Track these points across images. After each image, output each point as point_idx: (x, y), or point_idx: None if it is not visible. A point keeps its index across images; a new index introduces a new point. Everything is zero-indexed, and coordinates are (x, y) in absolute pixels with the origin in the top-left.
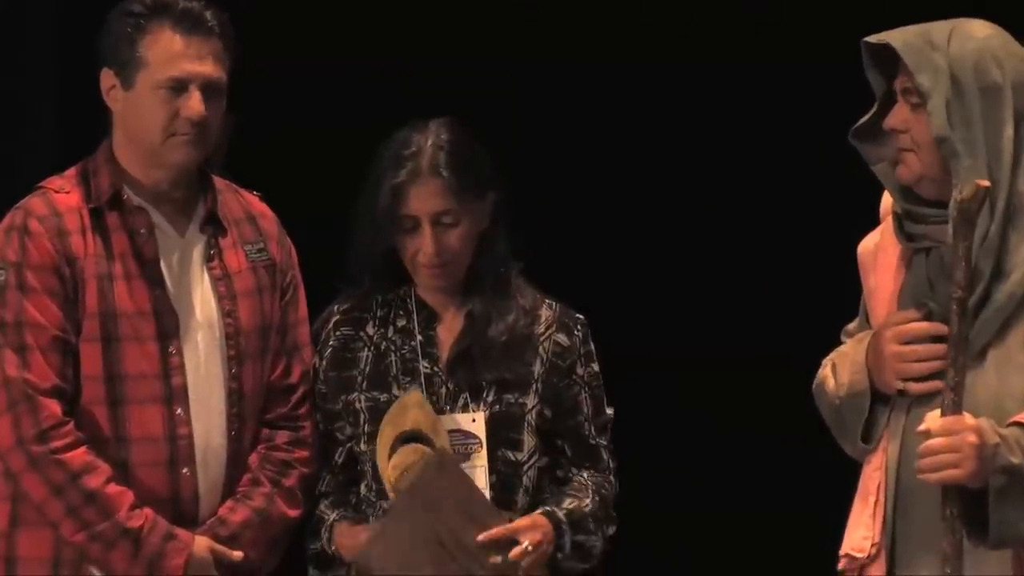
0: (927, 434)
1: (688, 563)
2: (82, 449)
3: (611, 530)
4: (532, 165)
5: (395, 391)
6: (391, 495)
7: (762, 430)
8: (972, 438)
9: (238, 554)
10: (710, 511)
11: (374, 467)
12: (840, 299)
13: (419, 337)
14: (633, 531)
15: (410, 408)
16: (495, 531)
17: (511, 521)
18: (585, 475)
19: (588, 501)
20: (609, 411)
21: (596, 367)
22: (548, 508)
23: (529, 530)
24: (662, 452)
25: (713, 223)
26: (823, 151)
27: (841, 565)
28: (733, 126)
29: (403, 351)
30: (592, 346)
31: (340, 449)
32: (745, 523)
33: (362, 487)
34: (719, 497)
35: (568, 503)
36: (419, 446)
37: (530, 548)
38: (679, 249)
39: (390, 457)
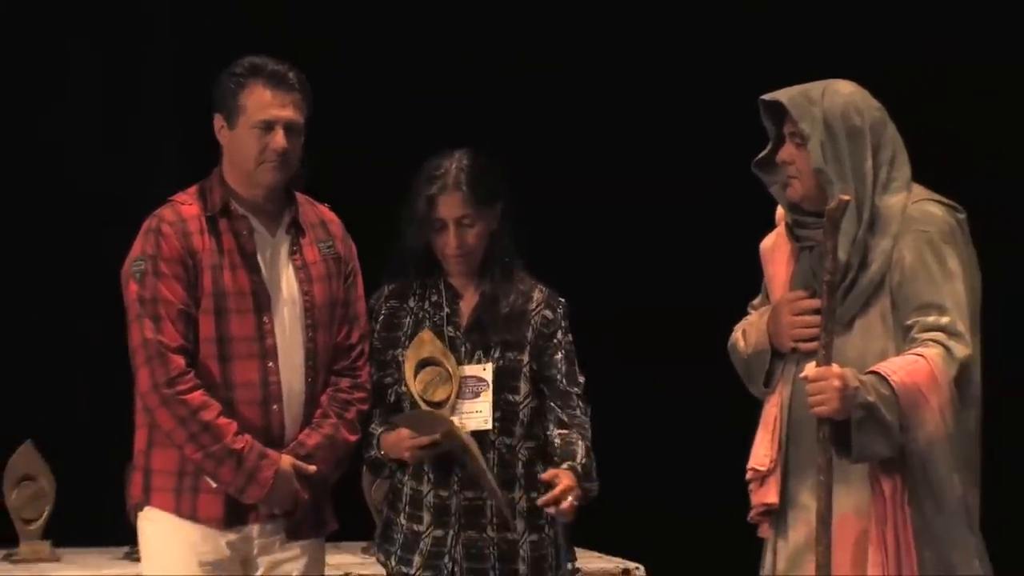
0: (806, 380)
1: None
2: (199, 391)
3: (580, 448)
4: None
5: (424, 354)
6: (419, 402)
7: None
8: (836, 383)
9: (312, 468)
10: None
11: (410, 405)
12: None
13: (446, 309)
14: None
15: (425, 342)
16: (551, 495)
17: (546, 483)
18: (574, 433)
19: (586, 453)
20: (581, 379)
21: (570, 337)
22: (572, 464)
23: (571, 489)
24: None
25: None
26: None
27: (748, 476)
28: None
29: (435, 319)
30: (568, 322)
31: (390, 391)
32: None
33: None
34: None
35: (580, 459)
36: (435, 367)
37: (574, 501)
38: (654, 246)
39: (415, 376)
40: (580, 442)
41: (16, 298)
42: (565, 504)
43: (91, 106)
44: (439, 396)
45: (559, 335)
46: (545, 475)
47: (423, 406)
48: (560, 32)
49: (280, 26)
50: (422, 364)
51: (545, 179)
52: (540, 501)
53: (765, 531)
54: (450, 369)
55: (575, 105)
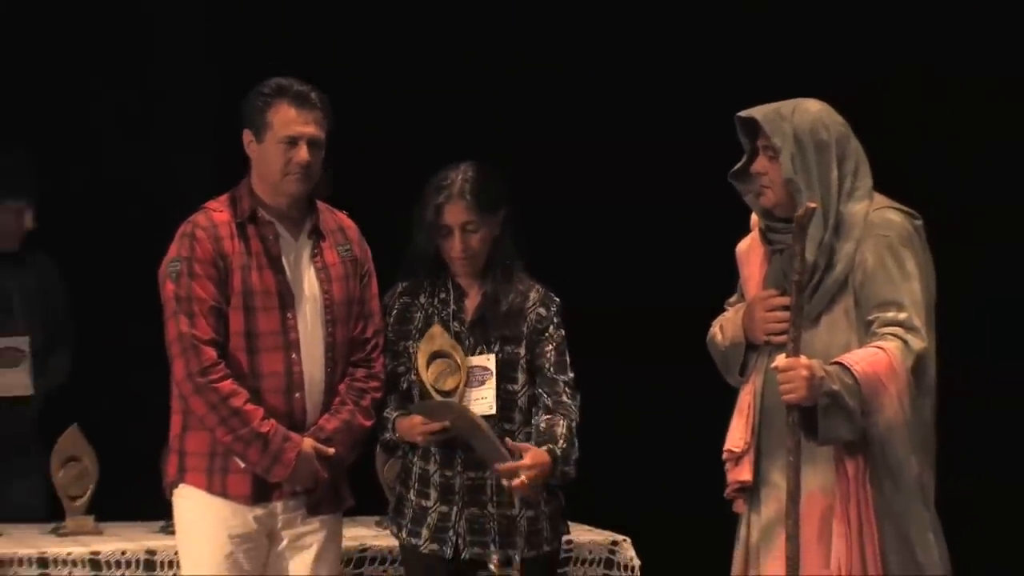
0: (776, 370)
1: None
2: (229, 380)
3: (577, 455)
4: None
5: (433, 348)
6: (431, 391)
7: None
8: (804, 372)
9: (331, 450)
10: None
11: (420, 393)
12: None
13: (453, 306)
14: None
15: (436, 336)
16: (506, 465)
17: (509, 451)
18: (558, 417)
19: (566, 438)
20: (571, 371)
21: (563, 332)
22: (551, 447)
23: (528, 467)
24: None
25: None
26: None
27: (724, 457)
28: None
29: (442, 314)
30: (560, 319)
31: (403, 379)
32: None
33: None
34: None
35: (561, 444)
36: (445, 359)
37: (526, 481)
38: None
39: (427, 368)
40: (562, 425)
41: (77, 301)
42: (516, 481)
43: (132, 121)
44: (449, 385)
45: (551, 329)
46: (514, 444)
47: (434, 394)
48: (560, 33)
49: (297, 42)
50: (433, 356)
51: (546, 182)
52: (500, 468)
53: (740, 506)
54: (459, 361)
55: (573, 108)
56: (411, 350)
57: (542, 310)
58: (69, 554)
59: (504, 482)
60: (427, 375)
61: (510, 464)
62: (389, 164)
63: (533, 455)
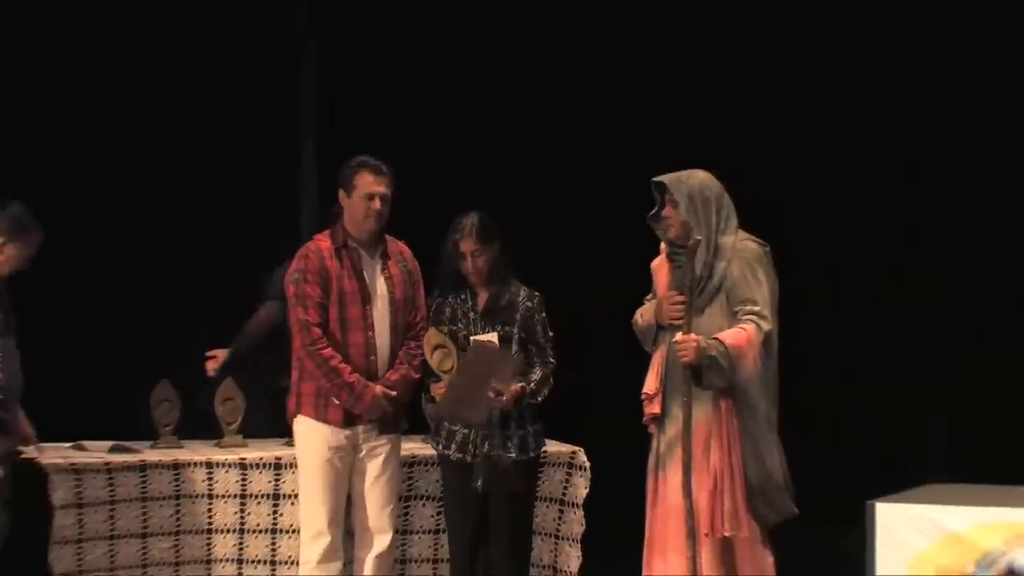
0: (676, 343)
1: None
2: (329, 348)
3: (546, 391)
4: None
5: (459, 323)
6: (436, 371)
7: None
8: (693, 343)
9: (394, 393)
10: None
11: (428, 372)
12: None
13: (469, 303)
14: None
15: (432, 336)
16: (508, 393)
17: (515, 373)
18: (538, 368)
19: (541, 381)
20: (550, 341)
21: (543, 314)
22: (524, 385)
23: (509, 393)
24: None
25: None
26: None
27: (642, 397)
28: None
29: (463, 308)
30: (541, 305)
31: None
32: None
33: None
34: None
35: (532, 384)
36: (443, 348)
37: (506, 400)
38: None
39: (432, 356)
40: (538, 372)
41: (221, 304)
42: (501, 402)
43: (262, 176)
44: (446, 366)
45: (536, 315)
46: (503, 386)
47: (440, 374)
48: (560, 37)
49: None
50: (435, 348)
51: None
52: (493, 390)
53: (652, 429)
54: (450, 348)
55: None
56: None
57: (528, 303)
58: (225, 460)
59: (490, 395)
60: (432, 360)
61: (499, 388)
62: (428, 209)
63: (513, 388)
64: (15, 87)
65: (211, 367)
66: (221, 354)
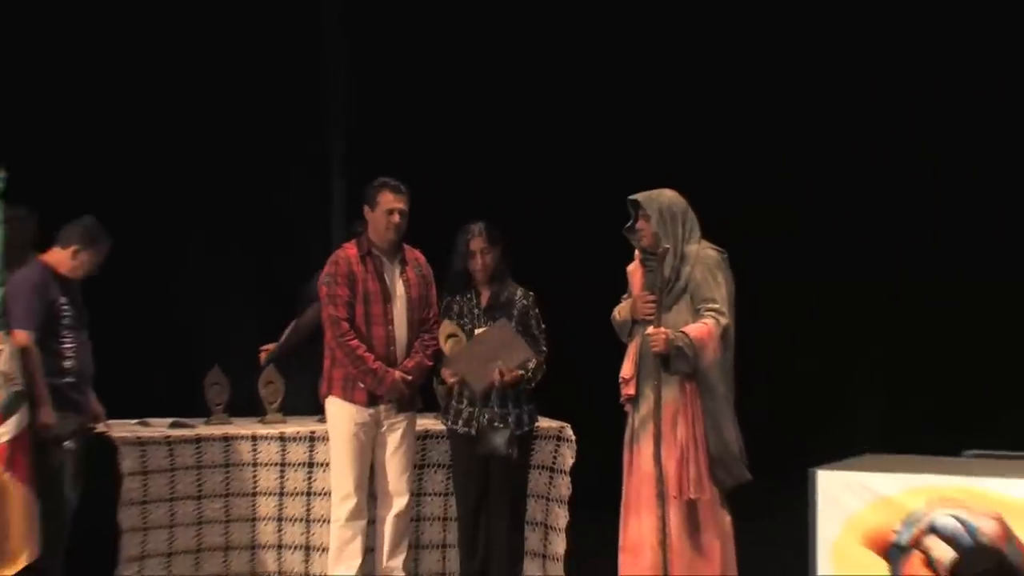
0: (648, 335)
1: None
2: (355, 340)
3: (540, 376)
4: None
5: (464, 318)
6: (448, 354)
7: None
8: (663, 335)
9: (410, 377)
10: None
11: (442, 359)
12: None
13: (474, 300)
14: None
15: (448, 325)
16: (509, 376)
17: (520, 361)
18: (534, 357)
19: (536, 369)
20: (543, 332)
21: (537, 310)
22: (522, 373)
23: (511, 376)
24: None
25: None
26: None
27: (620, 380)
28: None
29: (469, 304)
30: (534, 303)
31: None
32: None
33: None
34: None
35: (530, 368)
36: (455, 337)
37: (507, 382)
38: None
39: (446, 343)
40: (533, 361)
41: (276, 300)
42: (504, 381)
43: (305, 197)
44: (457, 350)
45: (531, 311)
46: (504, 368)
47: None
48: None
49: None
50: (448, 336)
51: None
52: (498, 372)
53: (628, 408)
54: (461, 336)
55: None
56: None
57: (524, 301)
58: (268, 433)
59: (496, 373)
60: (445, 347)
61: (503, 369)
62: (437, 224)
63: (515, 373)
64: (84, 116)
65: (263, 357)
66: (271, 347)
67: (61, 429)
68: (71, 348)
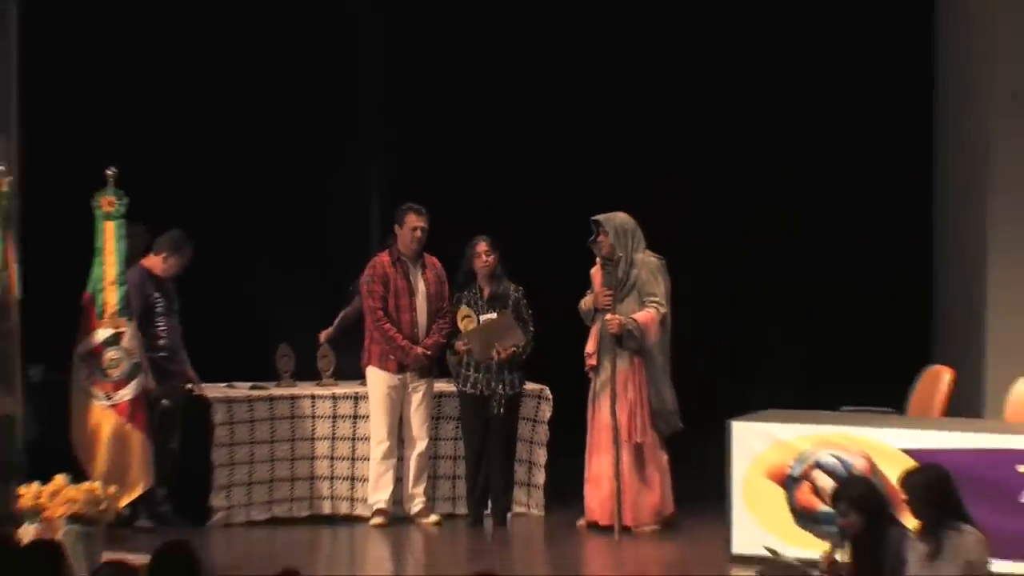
0: (606, 320)
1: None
2: (388, 324)
3: (528, 351)
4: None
5: (471, 308)
6: (462, 330)
7: None
8: (617, 321)
9: (428, 352)
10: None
11: (456, 330)
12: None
13: (478, 294)
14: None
15: (463, 309)
16: (505, 353)
17: (514, 343)
18: (524, 339)
19: (524, 347)
20: (532, 328)
21: (526, 301)
22: (517, 348)
23: (505, 352)
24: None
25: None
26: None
27: (585, 354)
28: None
29: (475, 297)
30: (524, 296)
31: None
32: None
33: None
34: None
35: (520, 346)
36: (468, 318)
37: (503, 356)
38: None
39: (461, 322)
40: (523, 340)
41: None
42: (500, 355)
43: (352, 210)
44: (469, 327)
45: (520, 302)
46: (501, 346)
47: (465, 332)
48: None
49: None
50: (463, 317)
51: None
52: (496, 348)
53: (591, 375)
54: (473, 316)
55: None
56: (456, 312)
57: (516, 294)
58: (322, 393)
59: (496, 349)
60: (460, 324)
61: (499, 348)
62: (450, 236)
63: (509, 350)
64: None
65: (322, 337)
66: (329, 331)
67: (159, 392)
68: (164, 330)
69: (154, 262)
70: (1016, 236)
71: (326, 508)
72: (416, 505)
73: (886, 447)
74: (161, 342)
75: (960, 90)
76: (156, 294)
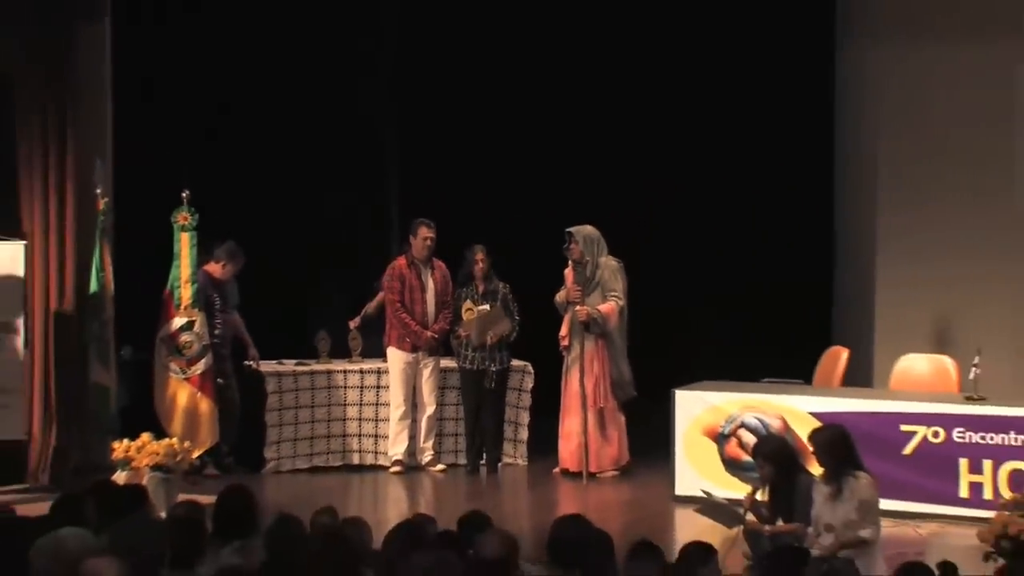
0: (576, 310)
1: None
2: (405, 313)
3: (515, 335)
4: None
5: (468, 302)
6: (464, 321)
7: None
8: (585, 311)
9: (436, 335)
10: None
11: (460, 317)
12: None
13: (475, 292)
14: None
15: (468, 304)
16: (496, 337)
17: (504, 330)
18: (511, 323)
19: (511, 331)
20: (516, 311)
21: (511, 296)
22: (505, 334)
23: (496, 334)
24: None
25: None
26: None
27: (559, 336)
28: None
29: (472, 293)
30: (510, 291)
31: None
32: None
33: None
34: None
35: (508, 331)
36: (471, 311)
37: (494, 336)
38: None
39: (465, 313)
40: (510, 327)
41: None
42: (490, 338)
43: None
44: (470, 316)
45: (508, 297)
46: (496, 331)
47: (466, 319)
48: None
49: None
50: (466, 309)
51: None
52: (489, 332)
53: (564, 354)
54: (474, 308)
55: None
56: (458, 305)
57: (504, 290)
58: (352, 368)
59: (487, 337)
60: (464, 315)
61: (492, 334)
62: (453, 245)
63: (498, 334)
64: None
65: (352, 324)
66: (357, 319)
67: (217, 370)
68: (219, 323)
69: (214, 268)
70: (902, 249)
71: (355, 459)
72: (426, 456)
73: (797, 410)
74: (217, 331)
75: (854, 107)
76: (214, 294)
